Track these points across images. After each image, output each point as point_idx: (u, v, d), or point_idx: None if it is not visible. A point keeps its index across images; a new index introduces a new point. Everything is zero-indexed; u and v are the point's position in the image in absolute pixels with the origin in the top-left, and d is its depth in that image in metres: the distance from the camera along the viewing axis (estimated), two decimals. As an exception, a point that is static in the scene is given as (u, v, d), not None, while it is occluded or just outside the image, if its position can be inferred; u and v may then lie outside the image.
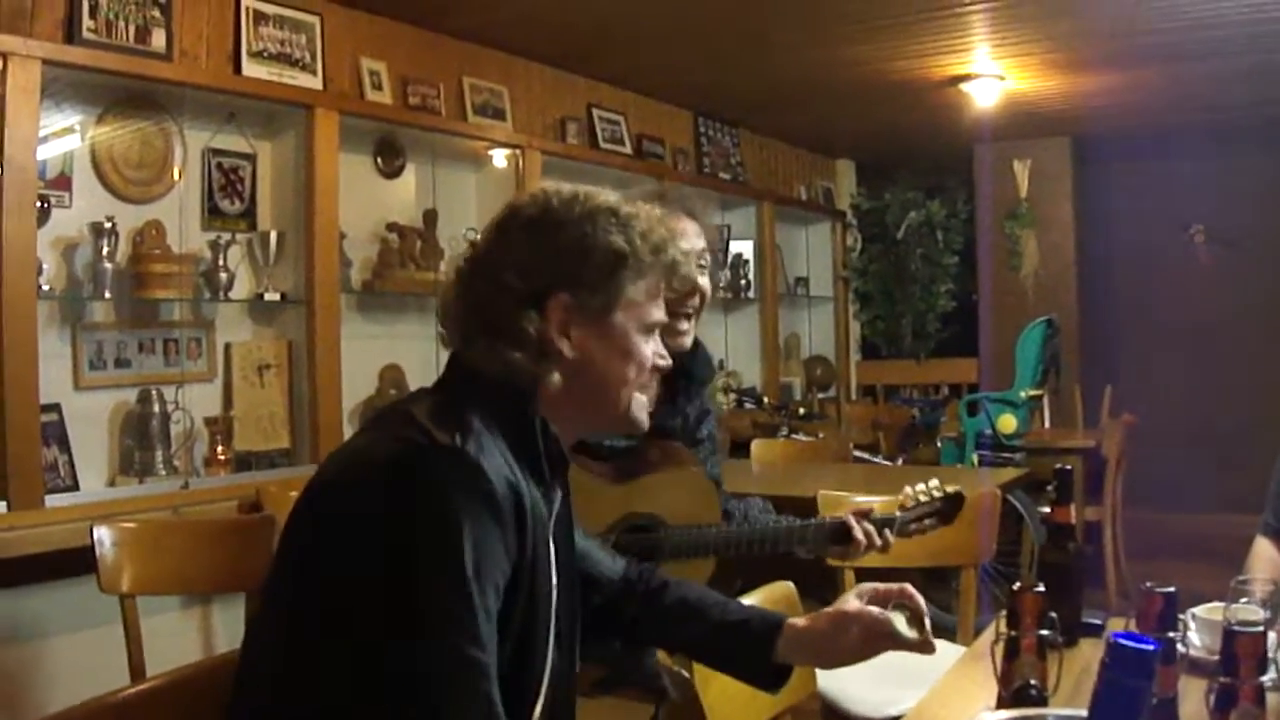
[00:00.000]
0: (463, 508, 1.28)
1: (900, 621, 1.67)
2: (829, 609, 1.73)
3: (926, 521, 2.56)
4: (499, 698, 1.28)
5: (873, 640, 1.68)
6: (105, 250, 3.60)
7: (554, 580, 1.48)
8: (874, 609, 1.69)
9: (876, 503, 2.71)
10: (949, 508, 2.57)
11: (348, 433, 4.28)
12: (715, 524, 2.55)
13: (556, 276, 1.46)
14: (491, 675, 1.28)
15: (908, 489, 2.59)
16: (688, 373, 2.61)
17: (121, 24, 3.64)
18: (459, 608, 1.25)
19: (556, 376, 1.47)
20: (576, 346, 1.47)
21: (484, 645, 1.27)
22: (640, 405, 1.57)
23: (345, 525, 1.31)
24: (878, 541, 2.50)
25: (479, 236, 1.55)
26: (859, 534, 2.48)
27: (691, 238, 2.46)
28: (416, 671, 1.23)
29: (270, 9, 4.15)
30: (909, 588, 1.72)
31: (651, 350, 1.55)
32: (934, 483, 2.59)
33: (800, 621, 1.74)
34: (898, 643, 1.67)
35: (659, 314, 1.56)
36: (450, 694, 1.25)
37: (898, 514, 2.53)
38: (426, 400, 1.44)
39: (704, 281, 2.50)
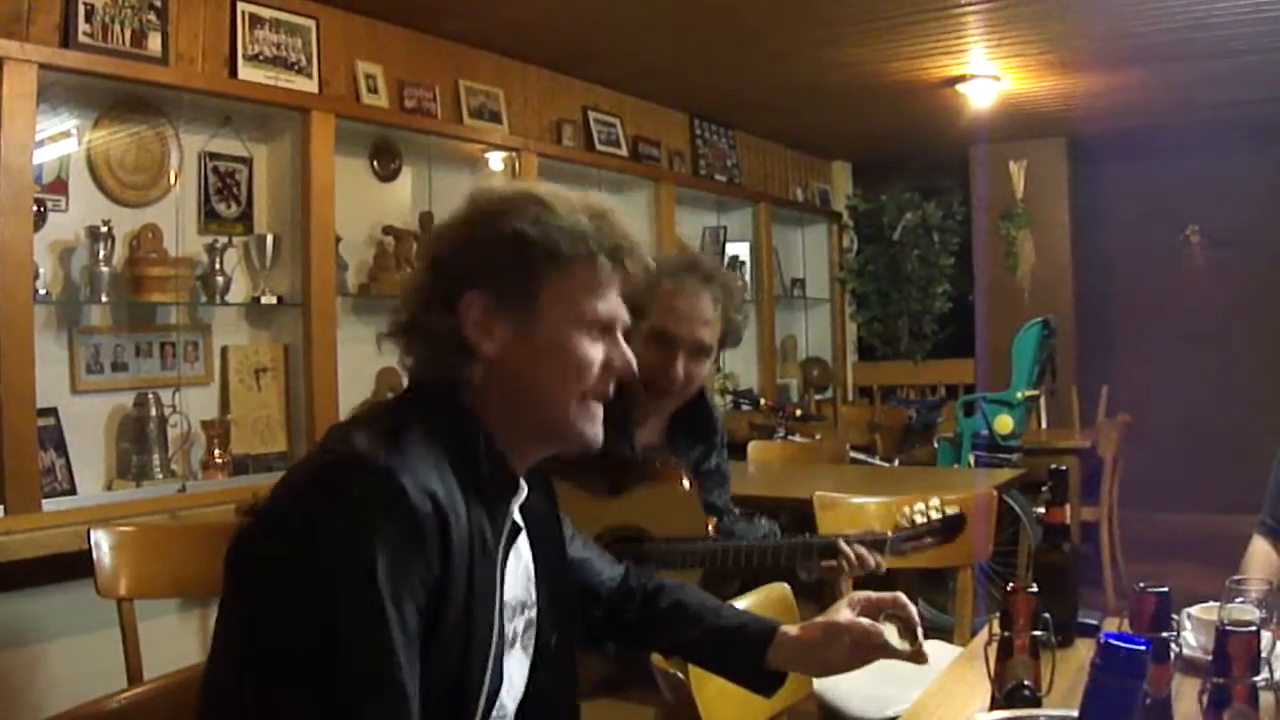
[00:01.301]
0: (378, 525, 1.23)
1: (892, 633, 1.67)
2: (821, 619, 1.73)
3: (926, 540, 2.58)
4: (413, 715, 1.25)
5: (864, 651, 1.68)
6: (102, 254, 3.60)
7: (498, 605, 1.41)
8: (865, 620, 1.68)
9: (874, 520, 2.73)
10: (949, 528, 2.58)
11: (345, 435, 4.28)
12: (701, 536, 2.56)
13: (467, 273, 1.41)
14: (410, 695, 1.23)
15: (905, 509, 2.60)
16: (686, 427, 2.65)
17: (117, 28, 3.64)
18: (376, 628, 1.21)
19: (478, 373, 1.41)
20: (500, 345, 1.41)
21: (401, 665, 1.22)
22: (588, 415, 1.48)
23: (265, 546, 1.28)
24: (870, 563, 2.52)
25: None
26: (847, 559, 2.50)
27: (707, 301, 2.50)
28: (337, 701, 1.19)
29: (266, 12, 4.15)
30: (902, 597, 1.71)
31: (605, 352, 1.47)
32: (934, 502, 2.60)
33: (794, 630, 1.73)
34: (889, 653, 1.68)
35: (605, 308, 1.47)
36: (369, 713, 1.20)
37: (889, 535, 2.55)
38: (370, 413, 1.42)
39: (704, 332, 2.52)
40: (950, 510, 2.59)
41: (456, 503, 1.32)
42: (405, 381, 1.50)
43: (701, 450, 2.74)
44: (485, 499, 1.39)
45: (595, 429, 1.50)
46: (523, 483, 1.49)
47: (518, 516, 1.49)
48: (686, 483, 2.60)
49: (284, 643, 1.22)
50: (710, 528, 2.62)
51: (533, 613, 1.55)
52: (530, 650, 1.55)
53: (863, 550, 2.51)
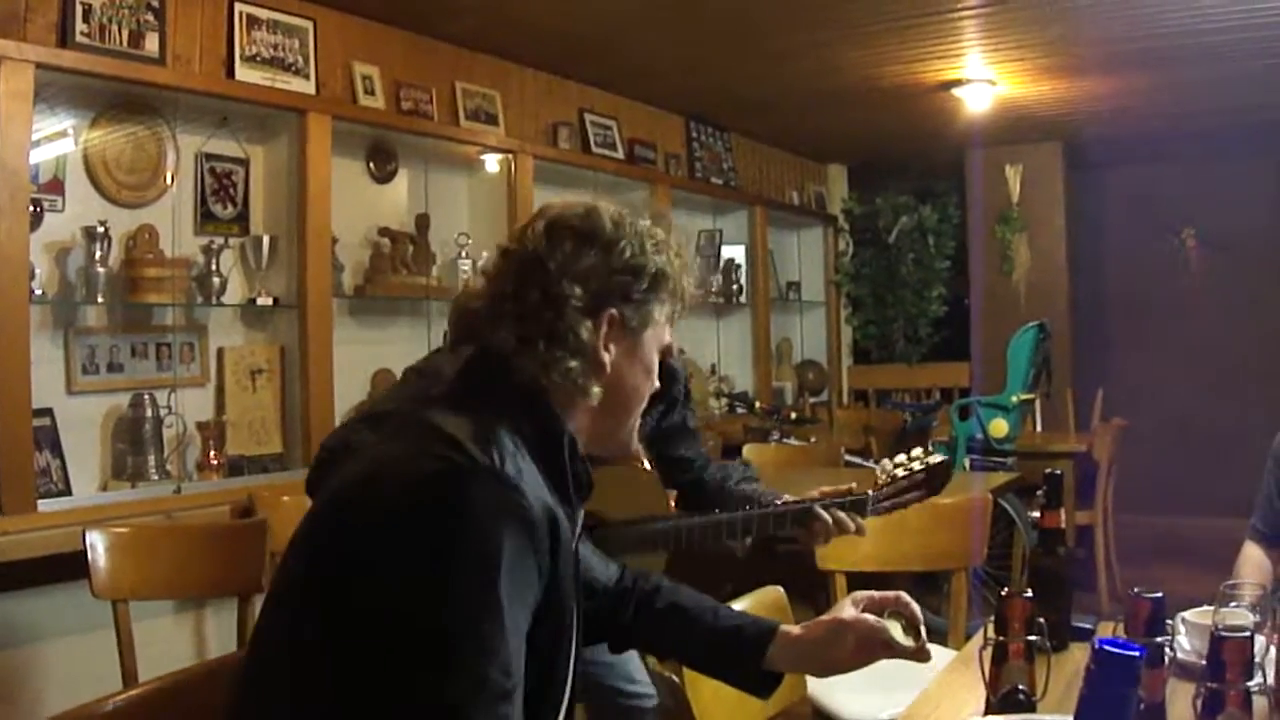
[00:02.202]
0: (503, 532, 1.26)
1: (896, 629, 1.68)
2: (824, 617, 1.74)
3: (909, 495, 2.51)
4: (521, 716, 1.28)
5: (868, 648, 1.69)
6: (98, 254, 3.60)
7: (578, 603, 1.47)
8: (869, 617, 1.69)
9: (853, 479, 2.65)
10: (934, 478, 2.52)
11: (340, 437, 4.27)
12: (663, 515, 2.50)
13: (613, 291, 1.48)
14: (517, 701, 1.27)
15: (885, 462, 2.54)
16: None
17: (115, 28, 3.64)
18: (492, 637, 1.24)
19: (598, 389, 1.47)
20: (614, 362, 1.49)
21: (512, 672, 1.26)
22: (636, 426, 1.61)
23: (380, 547, 1.27)
24: (850, 527, 2.46)
25: (513, 243, 1.52)
26: (821, 521, 2.45)
27: None
28: (444, 702, 1.21)
29: (263, 14, 4.15)
30: (905, 595, 1.72)
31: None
32: (916, 452, 2.54)
33: (795, 629, 1.74)
34: (894, 651, 1.68)
35: (669, 337, 1.58)
36: None
37: (869, 493, 2.49)
38: (453, 411, 1.41)
39: None
40: (933, 458, 2.54)
41: (558, 510, 1.37)
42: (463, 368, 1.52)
43: (662, 408, 2.68)
44: (567, 499, 1.44)
45: (636, 438, 1.62)
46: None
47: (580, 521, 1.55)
48: (646, 463, 2.56)
49: (400, 644, 1.23)
50: (671, 502, 2.56)
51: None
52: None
53: (841, 515, 2.46)
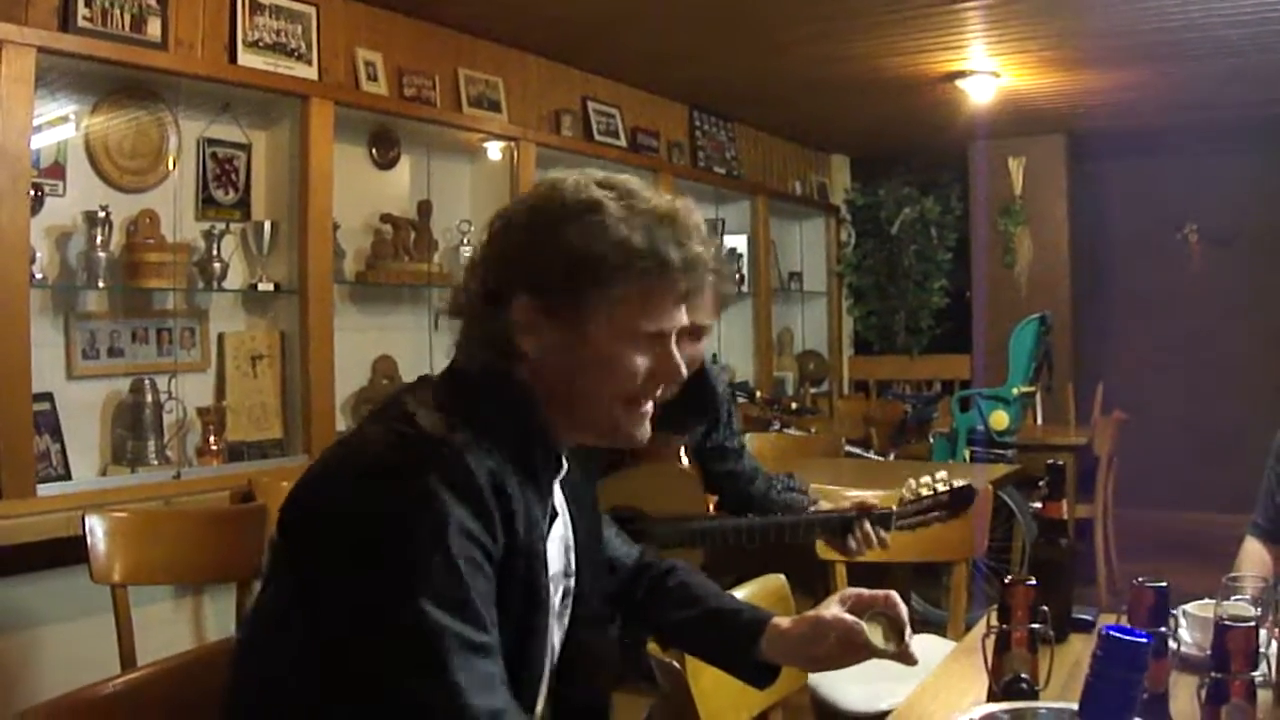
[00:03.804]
0: (443, 495, 1.27)
1: (876, 633, 1.63)
2: (810, 613, 1.71)
3: (931, 515, 2.53)
4: (505, 677, 1.30)
5: (848, 649, 1.66)
6: (99, 239, 3.59)
7: (545, 576, 1.46)
8: (849, 618, 1.66)
9: (873, 496, 2.69)
10: (957, 502, 2.53)
11: (340, 423, 4.28)
12: (701, 515, 2.54)
13: (516, 278, 1.42)
14: (496, 659, 1.29)
15: (911, 481, 2.56)
16: (686, 404, 2.61)
17: (117, 12, 3.62)
18: (456, 592, 1.26)
19: (521, 370, 1.43)
20: (543, 350, 1.42)
21: (485, 627, 1.28)
22: (633, 417, 1.49)
23: (333, 519, 1.31)
24: (874, 542, 2.49)
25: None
26: (855, 539, 2.48)
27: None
28: (423, 660, 1.24)
29: (266, -1, 4.14)
30: (893, 595, 1.67)
31: (653, 362, 1.46)
32: (941, 475, 2.56)
33: (784, 622, 1.72)
34: (874, 653, 1.64)
35: (654, 323, 1.44)
36: (463, 678, 1.24)
37: (894, 509, 2.51)
38: (425, 393, 1.43)
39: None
40: (959, 482, 2.55)
41: (510, 480, 1.36)
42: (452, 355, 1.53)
43: (704, 428, 2.72)
44: (533, 476, 1.43)
45: (641, 429, 1.51)
46: (565, 460, 1.54)
47: (558, 492, 1.54)
48: (685, 461, 2.59)
49: (360, 603, 1.26)
50: (711, 506, 2.60)
51: (570, 582, 1.58)
52: (565, 619, 1.57)
53: (868, 529, 2.49)
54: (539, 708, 1.49)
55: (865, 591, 1.70)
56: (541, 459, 1.45)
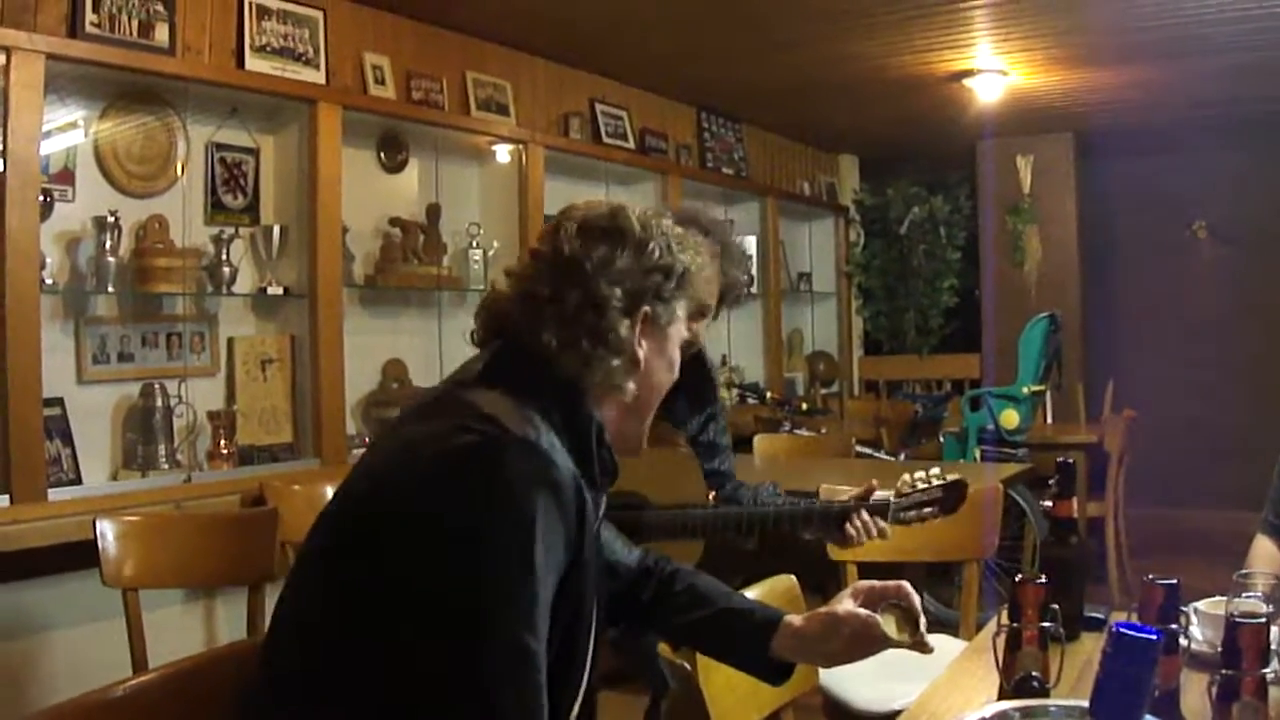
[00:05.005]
0: (538, 500, 1.31)
1: (890, 624, 1.65)
2: (821, 609, 1.73)
3: (925, 510, 2.53)
4: (546, 687, 1.32)
5: (864, 642, 1.68)
6: (108, 244, 3.60)
7: (596, 586, 1.50)
8: (863, 611, 1.68)
9: (875, 484, 2.68)
10: (950, 496, 2.54)
11: (350, 427, 4.29)
12: (702, 504, 2.54)
13: (646, 290, 1.53)
14: (543, 665, 1.31)
15: (905, 477, 2.57)
16: (684, 391, 2.62)
17: (125, 18, 3.64)
18: (524, 600, 1.29)
19: (632, 385, 1.53)
20: (645, 359, 1.55)
21: (540, 636, 1.31)
22: (648, 427, 1.66)
23: (417, 517, 1.32)
24: (873, 531, 2.49)
25: (543, 245, 1.56)
26: (854, 527, 2.47)
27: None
28: (482, 669, 1.26)
29: (273, 3, 4.14)
30: (906, 586, 1.70)
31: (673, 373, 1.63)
32: (934, 471, 2.57)
33: (797, 620, 1.74)
34: (890, 644, 1.66)
35: (687, 332, 1.65)
36: (510, 688, 1.27)
37: (891, 499, 2.51)
38: (489, 393, 1.45)
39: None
40: (951, 476, 2.55)
41: (585, 490, 1.42)
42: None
43: (699, 420, 2.72)
44: (593, 483, 1.49)
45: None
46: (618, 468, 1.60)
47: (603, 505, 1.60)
48: (685, 448, 2.58)
49: (435, 611, 1.28)
50: (711, 496, 2.60)
51: None
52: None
53: (866, 518, 2.48)
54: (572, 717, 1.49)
55: (877, 584, 1.73)
56: (601, 468, 1.51)
